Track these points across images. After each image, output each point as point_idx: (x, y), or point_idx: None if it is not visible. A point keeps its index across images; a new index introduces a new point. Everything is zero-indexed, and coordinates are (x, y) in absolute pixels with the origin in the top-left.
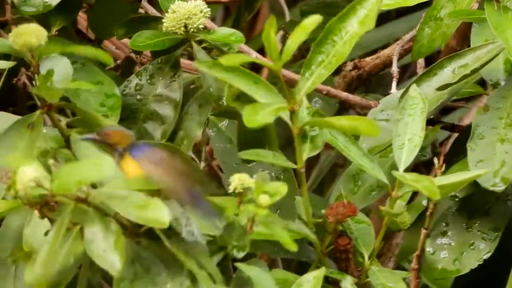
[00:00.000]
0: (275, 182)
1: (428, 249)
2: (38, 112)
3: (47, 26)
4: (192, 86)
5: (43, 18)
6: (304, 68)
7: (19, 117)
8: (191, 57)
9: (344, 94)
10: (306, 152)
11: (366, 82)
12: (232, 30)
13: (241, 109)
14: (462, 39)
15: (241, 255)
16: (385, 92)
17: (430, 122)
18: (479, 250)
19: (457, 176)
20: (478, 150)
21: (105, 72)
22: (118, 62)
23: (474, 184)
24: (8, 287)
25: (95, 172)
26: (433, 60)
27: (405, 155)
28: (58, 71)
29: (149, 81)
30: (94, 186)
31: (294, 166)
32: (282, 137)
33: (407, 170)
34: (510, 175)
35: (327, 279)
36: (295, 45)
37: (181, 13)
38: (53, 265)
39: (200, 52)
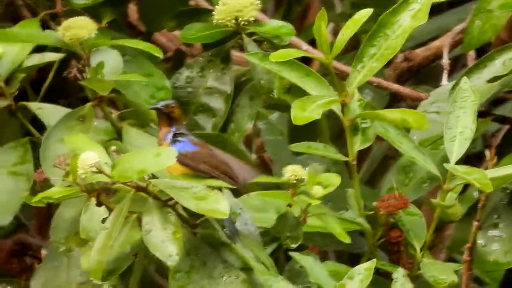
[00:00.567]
0: (327, 173)
1: (480, 241)
2: (88, 104)
3: (97, 18)
4: (242, 79)
5: (93, 10)
6: (355, 61)
7: (70, 110)
8: (242, 49)
9: (395, 86)
10: (357, 144)
11: (417, 73)
12: (282, 23)
13: (291, 102)
14: None
15: (294, 246)
16: (436, 84)
17: (480, 114)
18: None
19: (509, 168)
20: None
21: (156, 64)
22: (169, 54)
23: None
24: (61, 277)
25: (156, 161)
26: (483, 52)
27: (457, 148)
28: (109, 63)
29: (199, 73)
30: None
31: (346, 159)
32: (333, 129)
33: (458, 162)
34: None
35: (378, 271)
36: (346, 38)
37: (232, 5)
38: (109, 252)
39: (250, 44)
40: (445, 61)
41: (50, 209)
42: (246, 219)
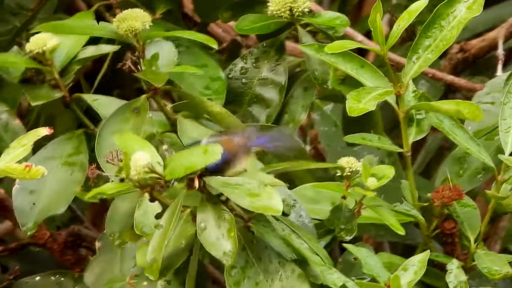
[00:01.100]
0: (382, 165)
1: None
2: (143, 96)
3: (151, 9)
4: (297, 70)
5: (148, 2)
6: (411, 52)
7: (125, 101)
8: (296, 40)
9: (450, 77)
10: (412, 135)
11: (472, 64)
12: (337, 14)
13: (346, 93)
14: None
15: (348, 238)
16: (491, 75)
17: None
18: None
19: None
20: None
21: (211, 55)
22: (224, 45)
23: None
24: (114, 269)
25: (203, 158)
26: None
27: (511, 139)
28: (163, 55)
29: (254, 64)
30: None
31: (400, 150)
32: (387, 120)
33: None
34: None
35: (432, 263)
36: (401, 29)
37: None
38: (165, 248)
39: (305, 35)
40: (500, 51)
41: (104, 201)
42: (301, 210)
